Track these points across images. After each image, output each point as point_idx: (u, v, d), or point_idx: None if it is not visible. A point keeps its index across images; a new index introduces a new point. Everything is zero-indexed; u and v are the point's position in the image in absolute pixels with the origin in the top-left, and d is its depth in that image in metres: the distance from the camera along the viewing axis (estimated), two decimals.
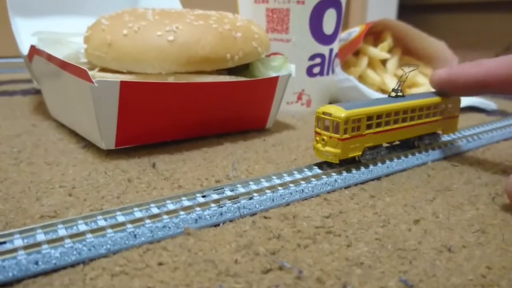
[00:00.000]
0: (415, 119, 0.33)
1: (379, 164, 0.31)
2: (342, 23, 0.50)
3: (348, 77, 0.52)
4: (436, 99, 0.34)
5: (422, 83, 0.56)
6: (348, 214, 0.25)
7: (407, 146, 0.35)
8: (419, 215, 0.25)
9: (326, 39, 0.48)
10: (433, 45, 0.60)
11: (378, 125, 0.30)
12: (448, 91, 0.34)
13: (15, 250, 0.19)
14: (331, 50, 0.49)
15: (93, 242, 0.20)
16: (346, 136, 0.28)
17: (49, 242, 0.19)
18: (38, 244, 0.19)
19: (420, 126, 0.33)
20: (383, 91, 0.56)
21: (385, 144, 0.32)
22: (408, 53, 0.60)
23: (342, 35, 0.57)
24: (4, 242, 0.20)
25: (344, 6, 0.49)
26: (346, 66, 0.57)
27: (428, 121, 0.34)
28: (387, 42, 0.57)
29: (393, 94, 0.32)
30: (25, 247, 0.19)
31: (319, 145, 0.30)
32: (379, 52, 0.56)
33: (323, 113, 0.29)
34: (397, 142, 0.34)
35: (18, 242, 0.19)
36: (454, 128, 0.36)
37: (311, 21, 0.46)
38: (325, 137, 0.29)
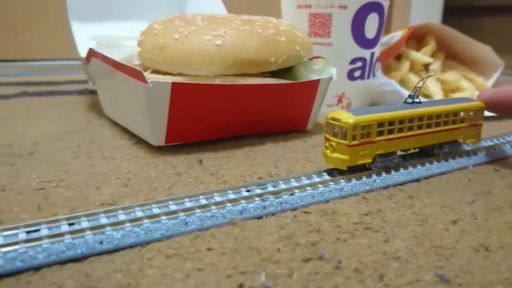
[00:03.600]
0: (432, 126, 0.32)
1: (418, 166, 0.32)
2: (384, 27, 0.51)
3: (389, 81, 0.52)
4: (456, 106, 0.32)
5: (465, 87, 0.56)
6: (386, 213, 0.26)
7: (426, 154, 0.34)
8: (457, 216, 0.26)
9: (368, 43, 0.49)
10: (479, 49, 0.59)
11: (390, 132, 0.30)
12: (493, 110, 0.34)
13: (83, 230, 0.21)
14: (372, 54, 0.50)
15: (149, 227, 0.22)
16: (355, 142, 0.28)
17: (111, 225, 0.22)
18: (102, 226, 0.22)
19: (438, 134, 0.32)
20: (425, 95, 0.55)
21: (400, 152, 0.31)
22: (452, 57, 0.60)
23: (384, 39, 0.57)
24: (73, 224, 0.22)
25: (386, 10, 0.50)
26: (387, 70, 0.57)
27: (447, 128, 0.32)
28: (430, 46, 0.56)
29: (409, 100, 0.31)
30: (91, 228, 0.21)
31: (328, 151, 0.29)
32: (421, 56, 0.55)
33: (332, 118, 0.29)
34: (413, 150, 0.33)
35: (85, 224, 0.22)
36: (477, 137, 0.35)
37: (353, 26, 0.47)
38: (333, 143, 0.29)
